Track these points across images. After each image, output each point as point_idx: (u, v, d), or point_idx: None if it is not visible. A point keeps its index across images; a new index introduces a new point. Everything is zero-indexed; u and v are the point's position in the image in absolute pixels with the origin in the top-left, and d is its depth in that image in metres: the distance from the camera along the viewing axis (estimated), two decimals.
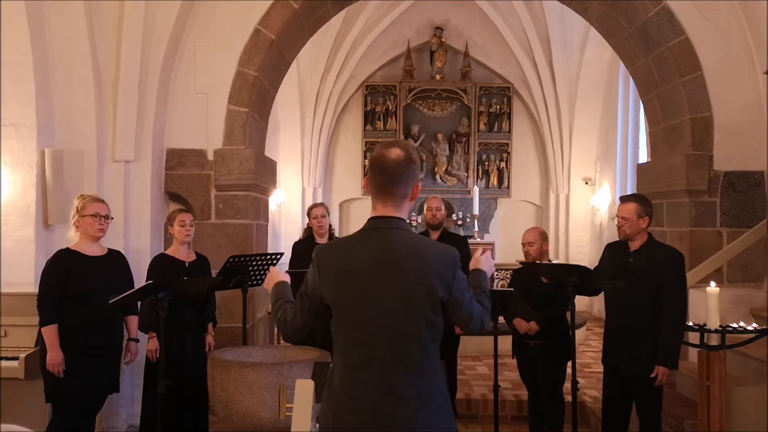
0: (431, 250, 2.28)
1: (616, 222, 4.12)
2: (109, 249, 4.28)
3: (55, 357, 3.89)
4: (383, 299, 2.21)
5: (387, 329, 2.20)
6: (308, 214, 5.62)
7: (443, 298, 2.23)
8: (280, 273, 2.62)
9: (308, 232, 5.63)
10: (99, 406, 4.29)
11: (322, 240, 5.43)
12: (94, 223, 4.08)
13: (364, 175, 12.83)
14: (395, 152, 2.26)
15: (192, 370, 4.50)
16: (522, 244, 4.86)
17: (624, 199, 4.20)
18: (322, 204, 5.70)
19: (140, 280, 4.47)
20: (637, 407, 4.12)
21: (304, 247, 5.47)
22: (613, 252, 4.25)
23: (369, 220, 2.32)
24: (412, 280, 2.21)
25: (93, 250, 4.13)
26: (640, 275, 3.97)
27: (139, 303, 4.45)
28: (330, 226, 5.62)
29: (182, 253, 4.72)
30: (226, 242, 5.61)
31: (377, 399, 2.19)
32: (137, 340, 4.45)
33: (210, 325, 4.85)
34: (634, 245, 4.08)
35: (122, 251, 4.53)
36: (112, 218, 4.28)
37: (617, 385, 4.14)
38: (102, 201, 4.20)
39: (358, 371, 2.22)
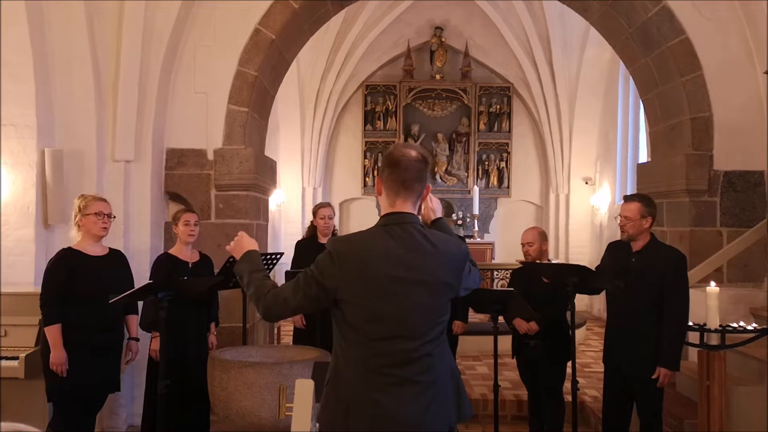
0: (446, 246, 2.37)
1: (618, 221, 4.11)
2: (110, 248, 4.28)
3: (58, 356, 3.90)
4: (404, 294, 2.26)
5: (407, 323, 2.27)
6: (314, 213, 5.57)
7: (457, 291, 2.38)
8: (249, 238, 2.59)
9: (311, 231, 5.60)
10: (100, 406, 4.29)
11: (326, 240, 5.41)
12: (98, 222, 4.08)
13: (365, 175, 12.85)
14: (414, 152, 2.38)
15: (194, 370, 4.50)
16: (521, 244, 4.86)
17: (627, 198, 4.19)
18: (329, 204, 5.67)
19: (140, 279, 4.47)
20: (638, 407, 4.12)
21: (306, 246, 5.46)
22: (616, 252, 4.23)
23: (386, 215, 2.37)
24: (431, 274, 2.30)
25: (95, 249, 4.14)
26: (642, 276, 3.95)
27: (140, 302, 4.46)
28: (334, 227, 5.61)
29: (186, 253, 4.72)
30: (226, 242, 5.51)
31: (394, 390, 2.24)
32: (137, 339, 4.46)
33: (213, 325, 4.86)
34: (637, 245, 4.06)
35: (122, 251, 4.53)
36: (114, 217, 4.29)
37: (618, 385, 4.13)
38: (104, 200, 4.20)
39: (374, 364, 2.25)
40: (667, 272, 3.91)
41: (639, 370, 3.96)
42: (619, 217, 4.10)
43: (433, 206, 2.61)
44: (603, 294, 4.47)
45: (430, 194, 2.55)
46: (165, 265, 4.64)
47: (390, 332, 2.26)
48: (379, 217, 2.41)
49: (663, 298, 3.89)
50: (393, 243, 2.29)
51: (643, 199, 4.12)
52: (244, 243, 2.57)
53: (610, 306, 4.26)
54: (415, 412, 2.24)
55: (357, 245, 2.34)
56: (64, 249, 4.12)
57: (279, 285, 2.42)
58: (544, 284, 4.44)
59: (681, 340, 3.89)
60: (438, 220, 2.61)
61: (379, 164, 12.82)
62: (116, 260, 4.27)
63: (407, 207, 2.35)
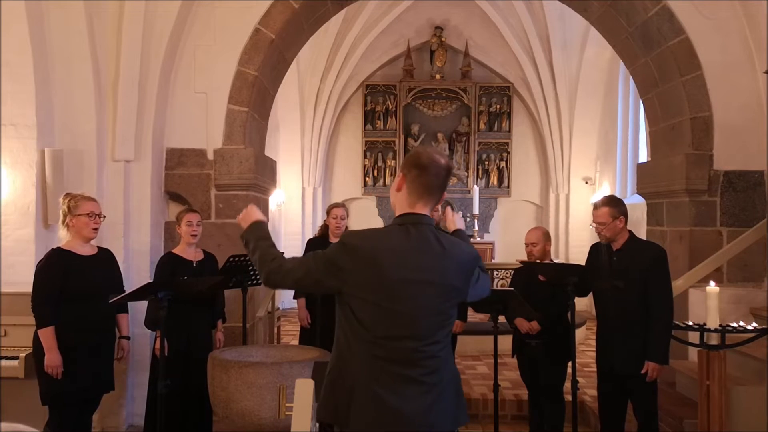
0: (457, 249, 2.40)
1: (594, 228, 4.18)
2: (98, 247, 4.25)
3: (53, 359, 3.86)
4: (414, 294, 2.28)
5: (415, 323, 2.28)
6: (327, 213, 5.63)
7: (464, 295, 2.42)
8: (258, 211, 2.63)
9: (324, 230, 5.64)
10: (95, 406, 4.27)
11: (336, 240, 5.41)
12: (90, 223, 4.03)
13: (365, 175, 12.83)
14: (444, 160, 2.40)
15: (197, 370, 4.49)
16: (525, 244, 4.87)
17: (596, 205, 4.28)
18: (343, 205, 5.71)
19: (141, 280, 4.47)
20: (633, 406, 4.15)
21: (318, 244, 5.47)
22: (599, 252, 4.30)
23: (403, 215, 2.38)
24: (441, 276, 2.33)
25: (85, 249, 4.10)
26: (626, 274, 4.01)
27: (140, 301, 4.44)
28: (346, 228, 5.64)
29: (190, 252, 4.72)
30: (226, 242, 5.61)
31: (399, 388, 2.26)
32: (128, 338, 4.45)
33: (219, 322, 4.86)
34: (617, 245, 4.16)
35: (122, 251, 4.54)
36: (105, 216, 4.25)
37: (611, 385, 4.17)
38: (94, 199, 4.15)
39: (380, 361, 2.27)
40: (648, 268, 3.99)
41: (630, 367, 4.00)
42: (593, 224, 4.16)
43: (454, 219, 2.87)
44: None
45: (453, 211, 2.81)
46: (169, 264, 4.63)
47: (397, 332, 2.27)
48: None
49: (647, 293, 3.95)
50: (407, 243, 2.31)
51: (610, 201, 4.20)
52: (252, 213, 2.60)
53: (598, 306, 4.33)
54: (419, 411, 2.26)
55: (371, 241, 2.34)
56: (53, 249, 4.07)
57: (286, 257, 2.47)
58: (544, 284, 4.45)
59: (668, 333, 3.94)
60: (457, 231, 2.79)
61: (379, 163, 12.88)
62: (106, 259, 4.23)
63: (426, 211, 2.39)
